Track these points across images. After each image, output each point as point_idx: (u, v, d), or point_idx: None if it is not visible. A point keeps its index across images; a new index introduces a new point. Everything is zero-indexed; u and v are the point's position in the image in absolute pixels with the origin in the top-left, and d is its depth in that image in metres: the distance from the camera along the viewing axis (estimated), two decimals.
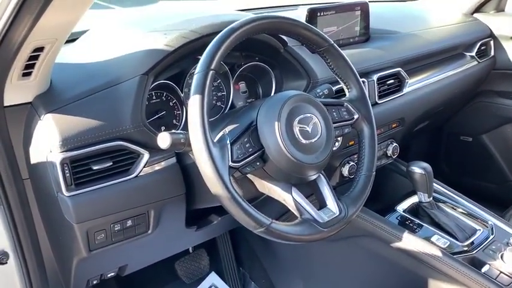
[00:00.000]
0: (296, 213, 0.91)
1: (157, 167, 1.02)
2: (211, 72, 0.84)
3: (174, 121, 1.14)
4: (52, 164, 0.90)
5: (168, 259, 1.37)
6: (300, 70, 1.22)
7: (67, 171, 0.90)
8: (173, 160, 1.05)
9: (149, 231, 1.07)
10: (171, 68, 1.08)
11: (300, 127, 0.90)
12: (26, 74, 0.88)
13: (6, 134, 0.95)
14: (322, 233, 0.90)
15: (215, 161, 0.81)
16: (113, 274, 1.20)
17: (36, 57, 0.85)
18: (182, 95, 1.13)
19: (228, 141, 0.85)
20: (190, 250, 1.71)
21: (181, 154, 1.06)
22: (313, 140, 0.91)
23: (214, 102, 1.21)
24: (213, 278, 1.73)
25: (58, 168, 0.89)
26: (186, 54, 1.05)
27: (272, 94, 1.26)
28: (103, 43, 1.12)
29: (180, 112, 1.15)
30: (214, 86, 1.20)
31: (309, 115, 0.92)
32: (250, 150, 0.87)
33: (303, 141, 0.90)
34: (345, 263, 1.48)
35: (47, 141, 0.91)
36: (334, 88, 1.12)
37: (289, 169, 0.89)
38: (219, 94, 1.21)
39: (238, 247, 1.78)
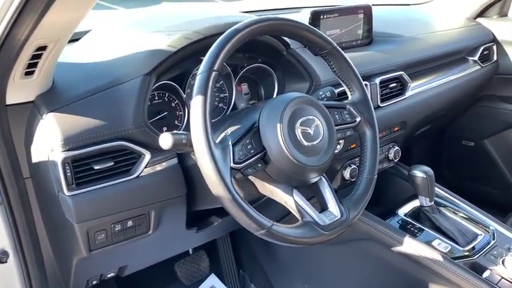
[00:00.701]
0: (297, 215, 0.91)
1: (158, 168, 1.02)
2: (214, 73, 0.84)
3: (176, 122, 1.14)
4: (53, 163, 0.90)
5: (168, 260, 1.37)
6: (302, 72, 1.22)
7: (68, 171, 0.90)
8: (175, 161, 1.05)
9: (150, 232, 1.07)
10: (174, 69, 1.07)
11: (302, 129, 0.90)
12: (29, 73, 0.88)
13: (8, 133, 0.95)
14: (323, 236, 0.90)
15: (217, 162, 0.81)
16: (112, 274, 1.20)
17: (39, 56, 0.85)
18: (184, 95, 1.13)
19: (229, 143, 0.85)
20: (190, 252, 1.70)
21: (182, 155, 1.06)
22: (315, 142, 0.91)
23: (216, 103, 1.21)
24: (212, 280, 1.73)
25: (59, 168, 0.89)
26: (189, 55, 1.05)
27: (274, 96, 1.26)
28: (106, 43, 1.12)
29: (182, 113, 1.15)
30: (216, 87, 1.20)
31: (311, 117, 0.92)
32: (252, 151, 0.87)
33: (305, 143, 0.90)
34: (346, 267, 1.48)
35: (49, 140, 0.91)
36: (336, 91, 1.12)
37: (290, 171, 0.89)
38: (221, 95, 1.21)
39: (238, 249, 1.78)
